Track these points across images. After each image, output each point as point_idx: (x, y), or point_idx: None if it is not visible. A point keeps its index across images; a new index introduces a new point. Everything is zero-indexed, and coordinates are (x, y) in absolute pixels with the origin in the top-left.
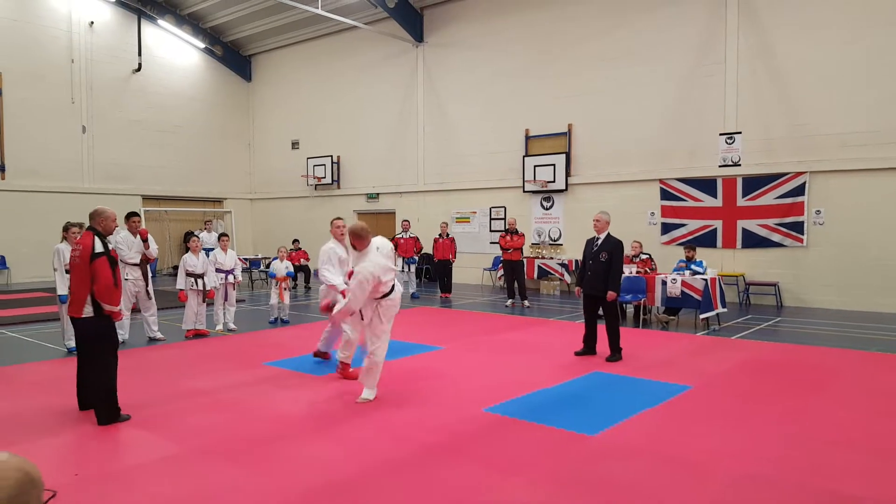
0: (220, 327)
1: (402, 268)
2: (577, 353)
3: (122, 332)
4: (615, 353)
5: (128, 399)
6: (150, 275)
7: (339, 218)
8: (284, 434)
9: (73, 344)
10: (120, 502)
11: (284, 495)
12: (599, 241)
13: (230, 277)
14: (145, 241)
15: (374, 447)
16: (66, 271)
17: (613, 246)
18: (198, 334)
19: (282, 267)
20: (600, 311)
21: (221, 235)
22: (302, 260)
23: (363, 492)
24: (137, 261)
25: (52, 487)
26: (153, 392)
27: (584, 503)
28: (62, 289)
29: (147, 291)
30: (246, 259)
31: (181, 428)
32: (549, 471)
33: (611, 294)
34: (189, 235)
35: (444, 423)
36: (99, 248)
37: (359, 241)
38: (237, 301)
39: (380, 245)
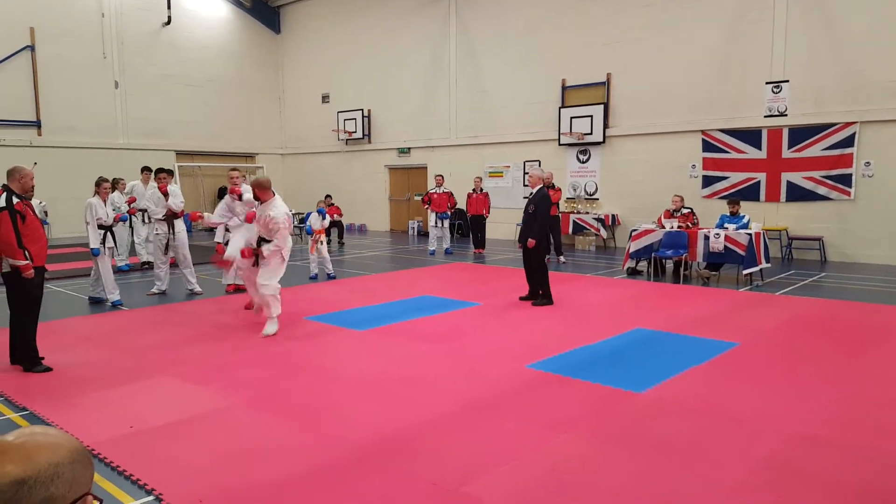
0: None
1: (436, 223)
2: (521, 298)
3: (161, 284)
4: (542, 298)
5: (174, 353)
6: (177, 230)
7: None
8: (330, 389)
9: (116, 297)
10: (177, 454)
11: (338, 448)
12: (531, 196)
13: None
14: (165, 195)
15: (419, 402)
16: (99, 226)
17: (539, 198)
18: (238, 289)
19: (317, 220)
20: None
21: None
22: (335, 215)
23: (413, 446)
24: (162, 216)
25: (109, 439)
26: (199, 346)
27: (637, 460)
28: (95, 242)
29: (177, 247)
30: None
31: (229, 382)
32: (600, 428)
33: (530, 241)
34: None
35: (488, 380)
36: (1, 202)
37: (263, 192)
38: None
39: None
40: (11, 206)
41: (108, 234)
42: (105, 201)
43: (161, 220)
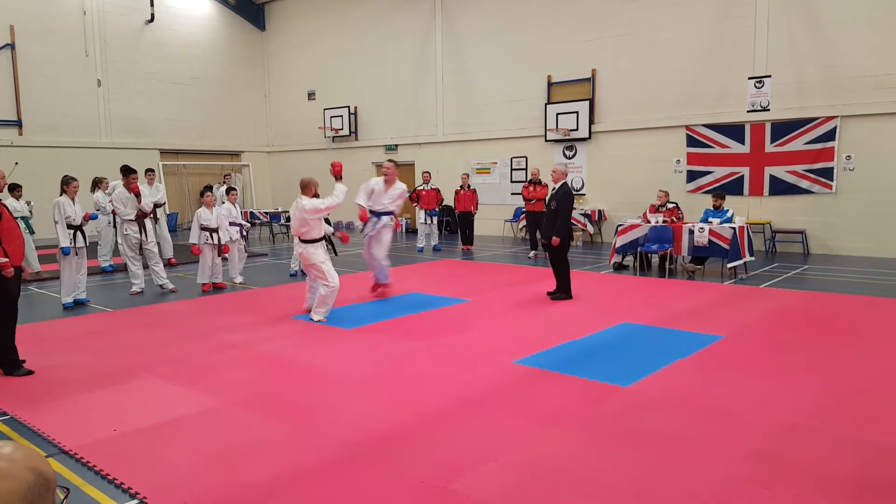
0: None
1: (424, 220)
2: (549, 294)
3: (139, 283)
4: (561, 293)
5: (158, 354)
6: (148, 229)
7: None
8: (318, 387)
9: (69, 300)
10: (161, 456)
11: (326, 447)
12: (554, 191)
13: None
14: (138, 196)
15: (407, 400)
16: (68, 226)
17: (562, 195)
18: (214, 287)
19: None
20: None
21: (207, 190)
22: None
23: (401, 443)
24: (133, 217)
25: (92, 442)
26: (183, 346)
27: (623, 454)
28: (64, 241)
29: (148, 245)
30: (266, 213)
31: (216, 382)
32: (586, 422)
33: (554, 240)
34: (206, 190)
35: (476, 376)
36: None
37: (306, 189)
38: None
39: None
40: None
41: (78, 233)
42: (73, 200)
43: (131, 220)
